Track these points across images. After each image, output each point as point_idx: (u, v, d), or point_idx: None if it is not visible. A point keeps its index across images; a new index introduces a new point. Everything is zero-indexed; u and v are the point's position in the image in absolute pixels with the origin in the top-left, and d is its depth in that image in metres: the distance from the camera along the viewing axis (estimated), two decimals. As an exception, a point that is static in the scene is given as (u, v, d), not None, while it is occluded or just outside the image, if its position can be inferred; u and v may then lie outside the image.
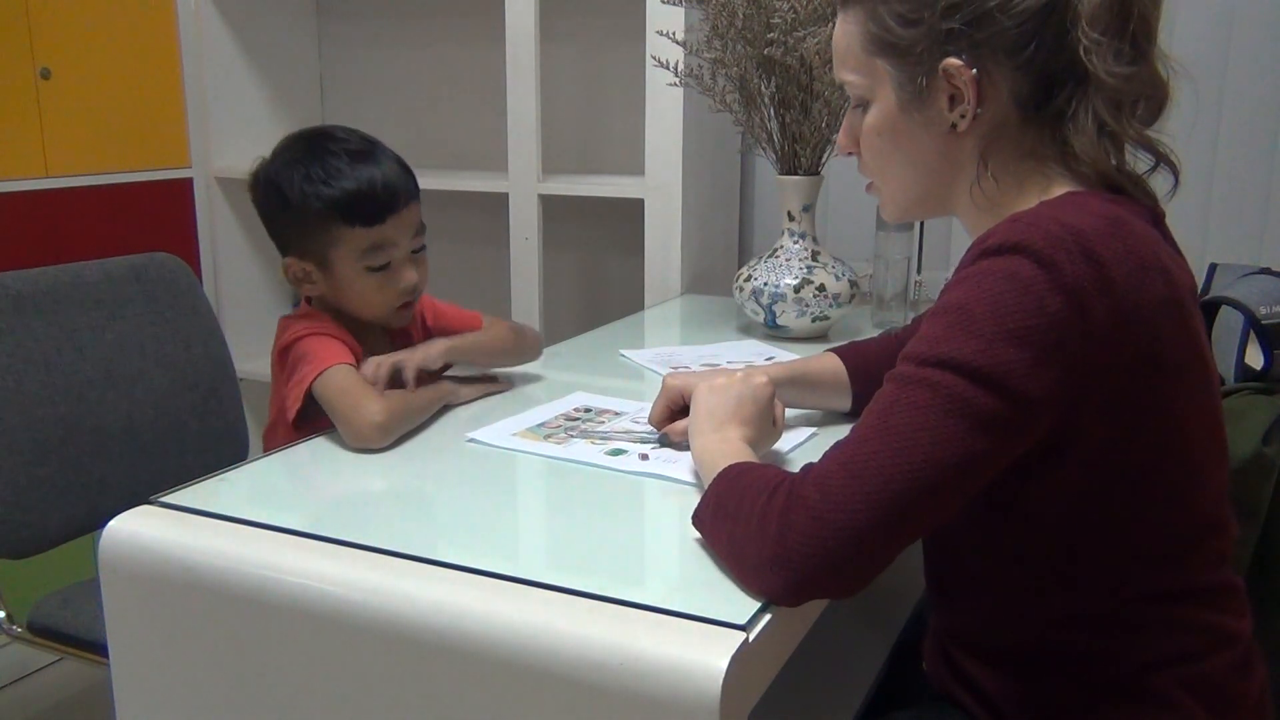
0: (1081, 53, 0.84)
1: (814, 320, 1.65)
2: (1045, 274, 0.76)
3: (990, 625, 0.93)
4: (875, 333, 1.72)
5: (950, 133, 0.90)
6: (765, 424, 1.06)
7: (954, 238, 2.13)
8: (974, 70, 0.87)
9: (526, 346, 1.40)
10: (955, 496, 0.79)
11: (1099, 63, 0.84)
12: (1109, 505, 0.84)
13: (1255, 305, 1.14)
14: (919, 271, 2.14)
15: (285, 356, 1.24)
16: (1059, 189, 0.89)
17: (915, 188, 0.96)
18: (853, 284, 1.68)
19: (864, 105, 0.95)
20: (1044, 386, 0.77)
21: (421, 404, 1.21)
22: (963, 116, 0.89)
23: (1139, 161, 0.91)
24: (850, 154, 1.00)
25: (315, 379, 1.17)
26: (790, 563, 0.78)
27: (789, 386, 1.21)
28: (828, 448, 0.84)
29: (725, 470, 0.90)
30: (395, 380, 1.21)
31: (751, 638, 0.75)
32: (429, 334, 1.38)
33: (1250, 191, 1.89)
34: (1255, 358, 1.16)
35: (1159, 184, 0.91)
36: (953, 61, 0.87)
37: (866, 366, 1.22)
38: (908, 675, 1.16)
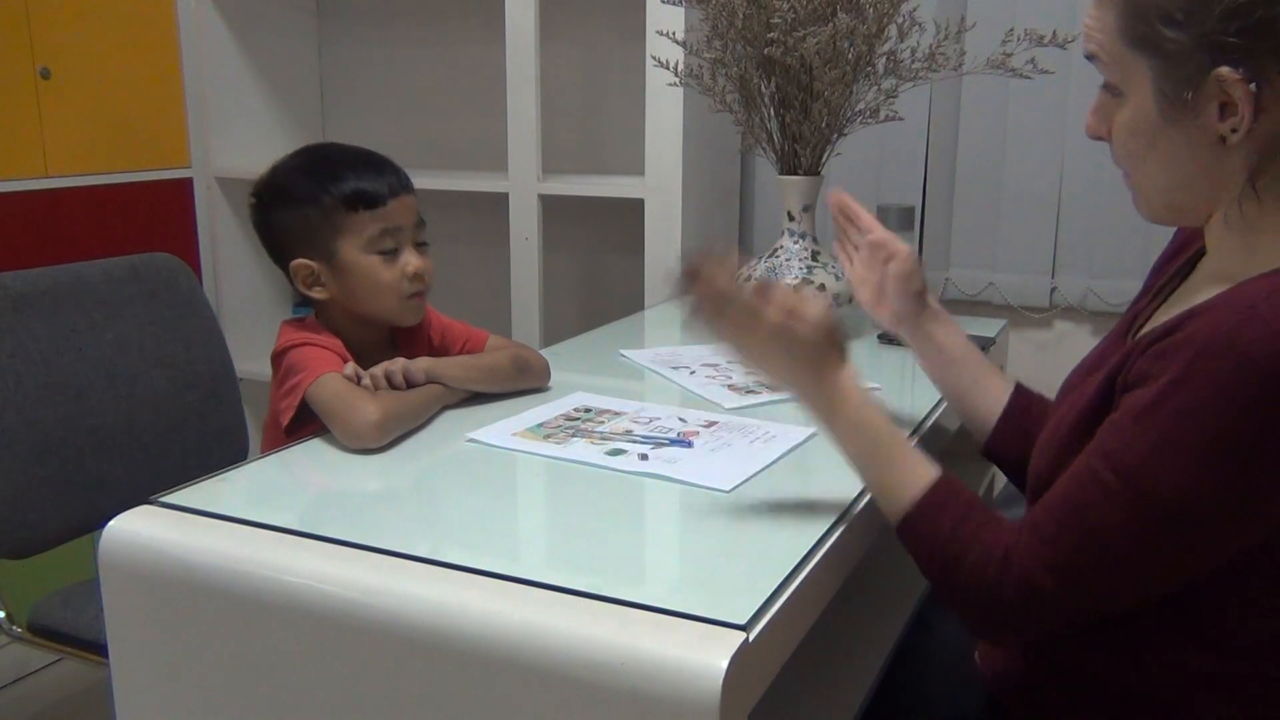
0: None
1: (814, 320, 1.65)
2: (1271, 395, 0.73)
3: (1085, 651, 0.91)
4: (875, 332, 1.72)
5: (1218, 145, 0.82)
6: (839, 345, 0.94)
7: (954, 237, 2.13)
8: (1252, 85, 0.78)
9: (529, 375, 1.36)
10: (1165, 587, 0.82)
11: None
12: (1256, 571, 0.82)
13: None
14: (919, 271, 2.14)
15: (278, 363, 1.25)
16: None
17: (1172, 196, 0.88)
18: (853, 284, 1.67)
19: (1116, 90, 0.87)
20: (1253, 513, 0.77)
21: (416, 405, 1.21)
22: (1234, 130, 0.81)
23: None
24: (1099, 139, 0.91)
25: (309, 387, 1.18)
26: (1002, 625, 0.86)
27: (936, 330, 1.15)
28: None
29: (915, 514, 0.89)
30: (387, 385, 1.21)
31: (751, 638, 0.75)
32: (434, 351, 1.38)
33: None
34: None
35: None
36: (1227, 72, 0.79)
37: (1023, 420, 1.13)
38: (908, 675, 1.16)
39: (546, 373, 1.38)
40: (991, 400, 1.15)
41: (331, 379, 1.18)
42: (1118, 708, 0.89)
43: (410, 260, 1.28)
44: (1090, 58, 0.89)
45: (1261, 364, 0.73)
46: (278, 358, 1.25)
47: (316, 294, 1.29)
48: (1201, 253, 0.95)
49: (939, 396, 1.30)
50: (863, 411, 0.93)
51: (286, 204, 1.28)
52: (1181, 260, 0.99)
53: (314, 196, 1.26)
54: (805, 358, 0.92)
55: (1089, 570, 0.81)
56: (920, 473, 0.91)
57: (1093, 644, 0.90)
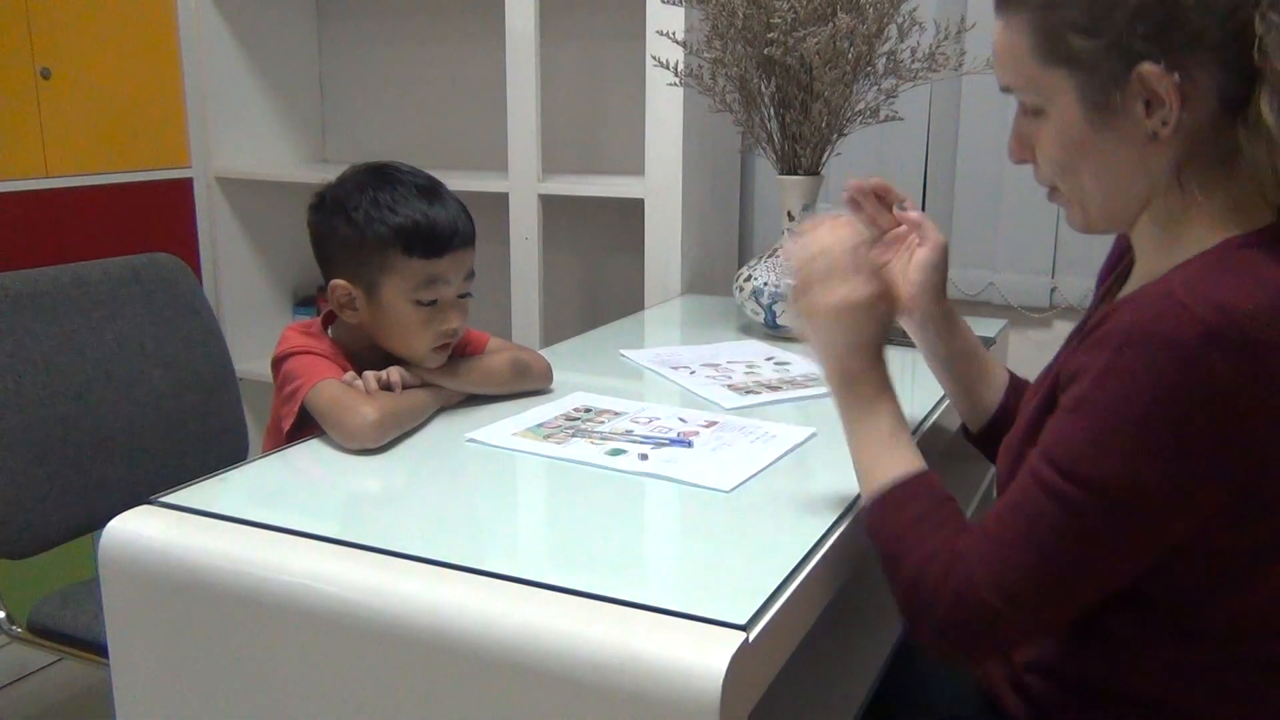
0: (1256, 45, 0.77)
1: (814, 320, 1.65)
2: (1195, 378, 0.73)
3: (1075, 654, 0.91)
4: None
5: (1149, 142, 0.82)
6: (880, 338, 0.96)
7: (954, 237, 2.13)
8: (1175, 75, 0.78)
9: (529, 378, 1.36)
10: (1114, 582, 0.82)
11: (1274, 53, 0.76)
12: (1246, 559, 0.82)
13: None
14: (919, 271, 2.14)
15: (277, 369, 1.24)
16: (1241, 213, 0.82)
17: (1109, 202, 0.88)
18: (853, 284, 1.67)
19: (1037, 111, 0.87)
20: (1191, 495, 0.76)
21: (413, 406, 1.21)
22: (1164, 124, 0.81)
23: None
24: (1023, 163, 0.92)
25: (307, 393, 1.17)
26: (938, 634, 0.84)
27: (950, 338, 1.13)
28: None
29: (884, 499, 0.90)
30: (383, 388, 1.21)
31: (751, 638, 0.75)
32: None
33: None
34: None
35: None
36: (1148, 68, 0.79)
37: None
38: (908, 675, 1.16)
39: (548, 375, 1.37)
40: (995, 392, 1.15)
41: (329, 384, 1.18)
42: (1103, 704, 0.89)
43: (450, 319, 1.25)
44: (1005, 89, 0.90)
45: (1181, 347, 0.73)
46: (277, 364, 1.24)
47: (347, 316, 1.27)
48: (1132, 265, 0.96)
49: (939, 396, 1.30)
50: (884, 392, 0.94)
51: (343, 221, 1.23)
52: (1125, 264, 1.00)
53: (372, 226, 1.21)
54: (860, 326, 0.93)
55: (1033, 580, 0.80)
56: (905, 463, 0.91)
57: (1072, 642, 0.91)
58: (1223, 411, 0.74)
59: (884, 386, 0.94)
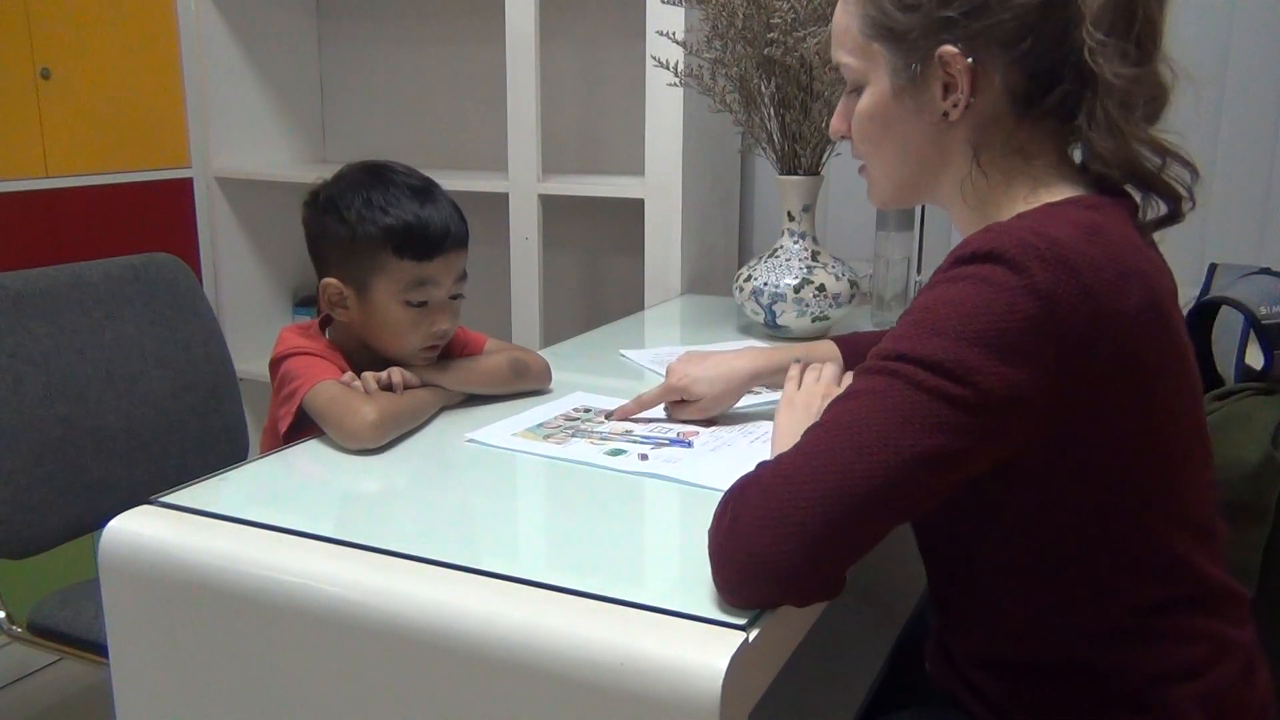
0: (1086, 54, 0.83)
1: (814, 320, 1.65)
2: (1017, 278, 0.76)
3: (995, 640, 0.92)
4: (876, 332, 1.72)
5: (941, 121, 0.90)
6: None
7: (954, 238, 2.13)
8: (969, 59, 0.86)
9: (528, 378, 1.35)
10: (911, 494, 0.77)
11: (1105, 64, 0.83)
12: (1098, 513, 0.84)
13: (1255, 305, 1.14)
14: (919, 271, 2.14)
15: (275, 370, 1.25)
16: (1045, 189, 0.89)
17: (903, 174, 0.96)
18: (853, 284, 1.67)
19: (859, 90, 0.95)
20: (1009, 389, 0.76)
21: (413, 406, 1.21)
22: (955, 105, 0.88)
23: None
24: (844, 138, 1.00)
25: (305, 394, 1.17)
26: (731, 563, 0.79)
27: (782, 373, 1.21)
28: None
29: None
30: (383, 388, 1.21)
31: (751, 638, 0.75)
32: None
33: (1250, 191, 1.89)
34: (1256, 358, 1.16)
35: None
36: (948, 49, 0.87)
37: (861, 356, 1.21)
38: (908, 675, 1.16)
39: (547, 374, 1.37)
40: None
41: (327, 385, 1.18)
42: (1038, 681, 0.90)
43: (439, 321, 1.25)
44: (837, 66, 0.97)
45: (1003, 258, 0.77)
46: (275, 365, 1.25)
47: (338, 314, 1.27)
48: None
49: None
50: None
51: (336, 219, 1.24)
52: None
53: (363, 226, 1.22)
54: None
55: (802, 468, 0.78)
56: None
57: (992, 630, 0.92)
58: (1041, 314, 0.76)
59: None
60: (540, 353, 1.43)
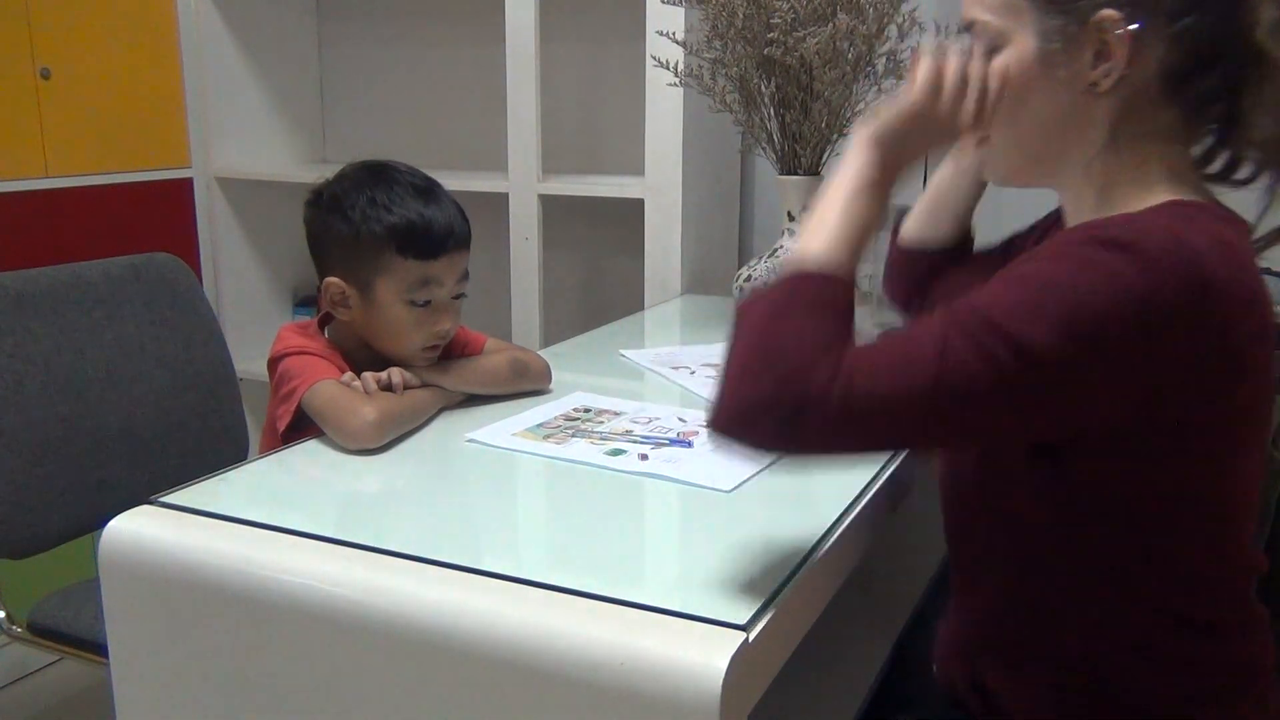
0: (1257, 32, 0.79)
1: (814, 320, 1.65)
2: (1146, 281, 0.73)
3: (1025, 634, 0.92)
4: (875, 332, 1.72)
5: (1087, 92, 0.84)
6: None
7: (954, 238, 2.13)
8: (1132, 26, 0.80)
9: (528, 378, 1.35)
10: (960, 434, 0.79)
11: (1278, 45, 0.78)
12: (1158, 521, 0.83)
13: None
14: (919, 271, 2.14)
15: (274, 369, 1.25)
16: (1172, 182, 0.85)
17: (1033, 147, 0.90)
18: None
19: (992, 52, 0.87)
20: (1102, 392, 0.75)
21: (413, 407, 1.21)
22: (1106, 75, 0.82)
23: None
24: None
25: (304, 394, 1.17)
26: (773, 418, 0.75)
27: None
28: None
29: (799, 275, 0.83)
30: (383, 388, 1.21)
31: (751, 638, 0.75)
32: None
33: (1249, 191, 1.89)
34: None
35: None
36: (1110, 13, 0.81)
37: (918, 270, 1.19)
38: (908, 675, 1.16)
39: (547, 374, 1.37)
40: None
41: (327, 384, 1.18)
42: (1045, 674, 0.90)
43: (442, 321, 1.25)
44: (968, 25, 0.89)
45: (1140, 255, 0.74)
46: (273, 364, 1.25)
47: (341, 313, 1.27)
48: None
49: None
50: (879, 189, 0.88)
51: (339, 218, 1.24)
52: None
53: (367, 225, 1.22)
54: (918, 134, 0.89)
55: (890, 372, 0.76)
56: (842, 256, 0.85)
57: (1010, 619, 0.92)
58: (1158, 323, 0.74)
59: (882, 188, 0.88)
60: (540, 353, 1.43)
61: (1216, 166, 0.88)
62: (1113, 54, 0.82)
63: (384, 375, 1.20)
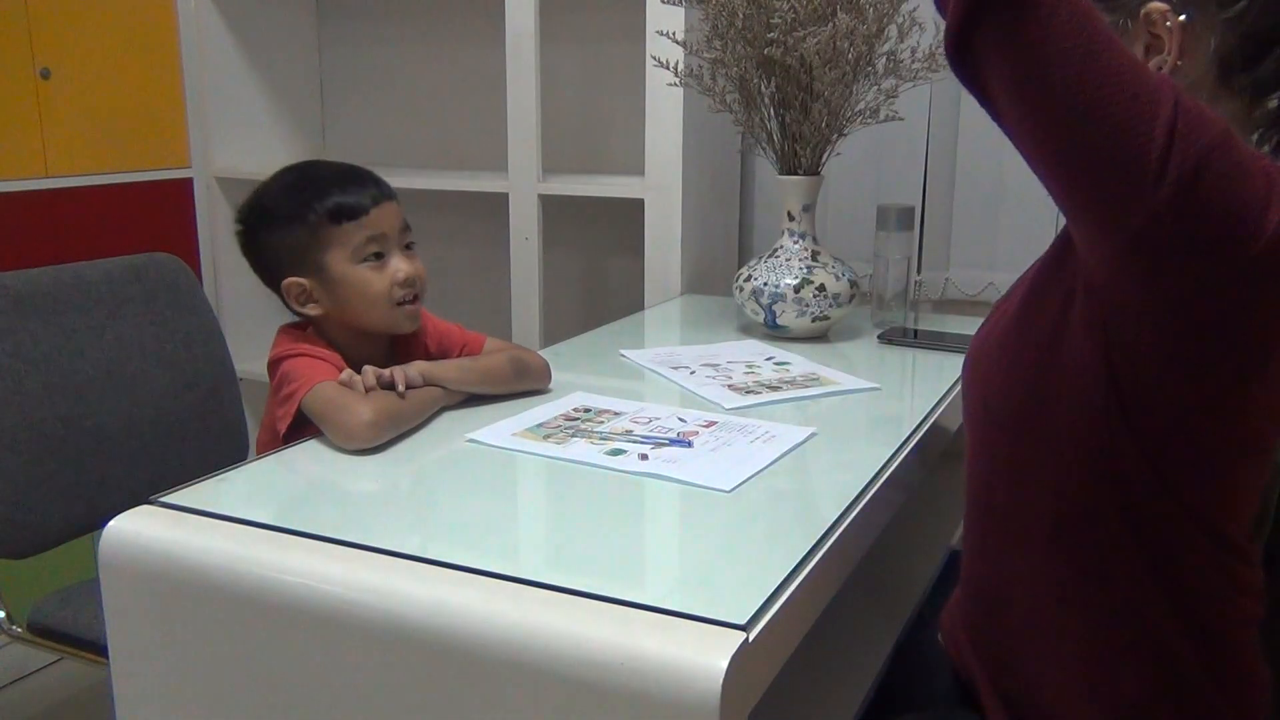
0: None
1: (814, 320, 1.65)
2: (1257, 234, 0.70)
3: (1029, 619, 0.92)
4: (875, 333, 1.72)
5: None
6: None
7: (954, 237, 2.13)
8: (1181, 17, 0.79)
9: (528, 377, 1.36)
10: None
11: None
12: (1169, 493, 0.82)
13: None
14: (919, 271, 2.14)
15: (273, 370, 1.26)
16: None
17: None
18: (853, 284, 1.67)
19: None
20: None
21: (412, 405, 1.21)
22: (1159, 68, 0.81)
23: None
24: None
25: (304, 396, 1.18)
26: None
27: None
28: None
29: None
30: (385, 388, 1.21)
31: (751, 638, 0.75)
32: (432, 358, 1.38)
33: None
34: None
35: None
36: (1157, 6, 0.80)
37: None
38: (909, 675, 1.16)
39: (547, 374, 1.37)
40: None
41: (325, 386, 1.18)
42: (1063, 670, 0.90)
43: (400, 266, 1.29)
44: None
45: (1257, 219, 0.71)
46: (273, 366, 1.26)
47: (310, 310, 1.29)
48: None
49: (939, 396, 1.30)
50: None
51: (272, 224, 1.29)
52: None
53: (299, 214, 1.27)
54: None
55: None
56: None
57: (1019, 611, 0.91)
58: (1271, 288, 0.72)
59: None
60: (540, 353, 1.43)
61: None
62: (1164, 47, 0.81)
63: (385, 373, 1.21)
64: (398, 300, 1.29)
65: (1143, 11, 0.81)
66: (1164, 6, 0.80)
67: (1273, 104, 0.82)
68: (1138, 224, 0.70)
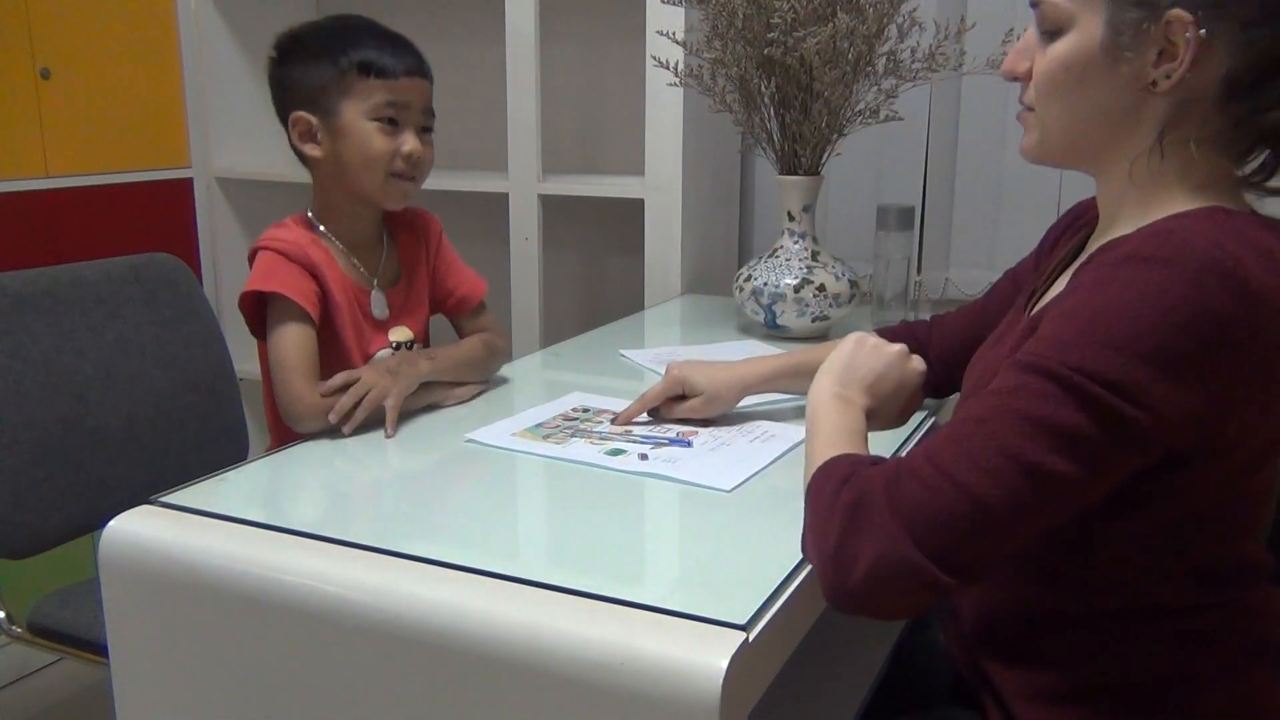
0: None
1: (814, 320, 1.65)
2: (1195, 298, 0.72)
3: (1032, 611, 0.92)
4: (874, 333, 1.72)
5: (1145, 89, 0.83)
6: (895, 406, 1.07)
7: (954, 237, 2.13)
8: (1202, 30, 0.79)
9: (497, 360, 1.39)
10: (1059, 507, 0.76)
11: None
12: (1177, 523, 0.83)
13: None
14: (919, 271, 2.14)
15: (251, 262, 1.27)
16: (1215, 188, 0.84)
17: (1079, 134, 0.88)
18: (853, 284, 1.68)
19: (1056, 33, 0.86)
20: (1175, 408, 0.74)
21: (363, 411, 1.18)
22: (1168, 76, 0.81)
23: None
24: (1015, 79, 0.92)
25: (272, 333, 1.20)
26: (852, 561, 0.78)
27: (797, 377, 1.22)
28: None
29: (823, 466, 0.86)
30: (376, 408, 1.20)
31: (751, 638, 0.75)
32: (431, 268, 1.40)
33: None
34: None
35: None
36: (1182, 14, 0.80)
37: None
38: (908, 675, 1.16)
39: (508, 353, 1.43)
40: None
41: (290, 334, 1.20)
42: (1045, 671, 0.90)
43: (409, 141, 1.28)
44: (1035, 3, 0.89)
45: (1184, 268, 0.73)
46: (252, 257, 1.27)
47: (310, 150, 1.29)
48: (1091, 232, 0.97)
49: (939, 399, 1.30)
50: (861, 423, 0.98)
51: (302, 57, 1.29)
52: (1074, 239, 1.01)
53: (331, 55, 1.26)
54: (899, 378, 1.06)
55: (962, 463, 0.75)
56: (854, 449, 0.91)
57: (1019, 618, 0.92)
58: (1215, 338, 0.73)
59: (861, 424, 0.98)
60: (540, 352, 1.43)
61: (1259, 174, 0.87)
62: (1177, 55, 0.81)
63: (383, 404, 1.18)
64: (394, 171, 1.28)
65: (1165, 17, 0.81)
66: (1188, 16, 0.80)
67: (1266, 124, 0.82)
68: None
